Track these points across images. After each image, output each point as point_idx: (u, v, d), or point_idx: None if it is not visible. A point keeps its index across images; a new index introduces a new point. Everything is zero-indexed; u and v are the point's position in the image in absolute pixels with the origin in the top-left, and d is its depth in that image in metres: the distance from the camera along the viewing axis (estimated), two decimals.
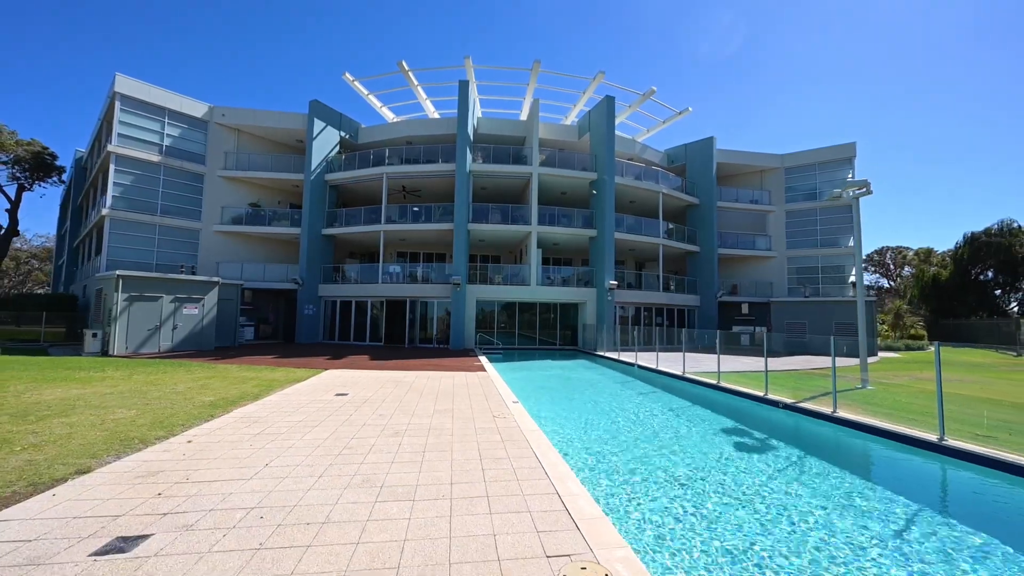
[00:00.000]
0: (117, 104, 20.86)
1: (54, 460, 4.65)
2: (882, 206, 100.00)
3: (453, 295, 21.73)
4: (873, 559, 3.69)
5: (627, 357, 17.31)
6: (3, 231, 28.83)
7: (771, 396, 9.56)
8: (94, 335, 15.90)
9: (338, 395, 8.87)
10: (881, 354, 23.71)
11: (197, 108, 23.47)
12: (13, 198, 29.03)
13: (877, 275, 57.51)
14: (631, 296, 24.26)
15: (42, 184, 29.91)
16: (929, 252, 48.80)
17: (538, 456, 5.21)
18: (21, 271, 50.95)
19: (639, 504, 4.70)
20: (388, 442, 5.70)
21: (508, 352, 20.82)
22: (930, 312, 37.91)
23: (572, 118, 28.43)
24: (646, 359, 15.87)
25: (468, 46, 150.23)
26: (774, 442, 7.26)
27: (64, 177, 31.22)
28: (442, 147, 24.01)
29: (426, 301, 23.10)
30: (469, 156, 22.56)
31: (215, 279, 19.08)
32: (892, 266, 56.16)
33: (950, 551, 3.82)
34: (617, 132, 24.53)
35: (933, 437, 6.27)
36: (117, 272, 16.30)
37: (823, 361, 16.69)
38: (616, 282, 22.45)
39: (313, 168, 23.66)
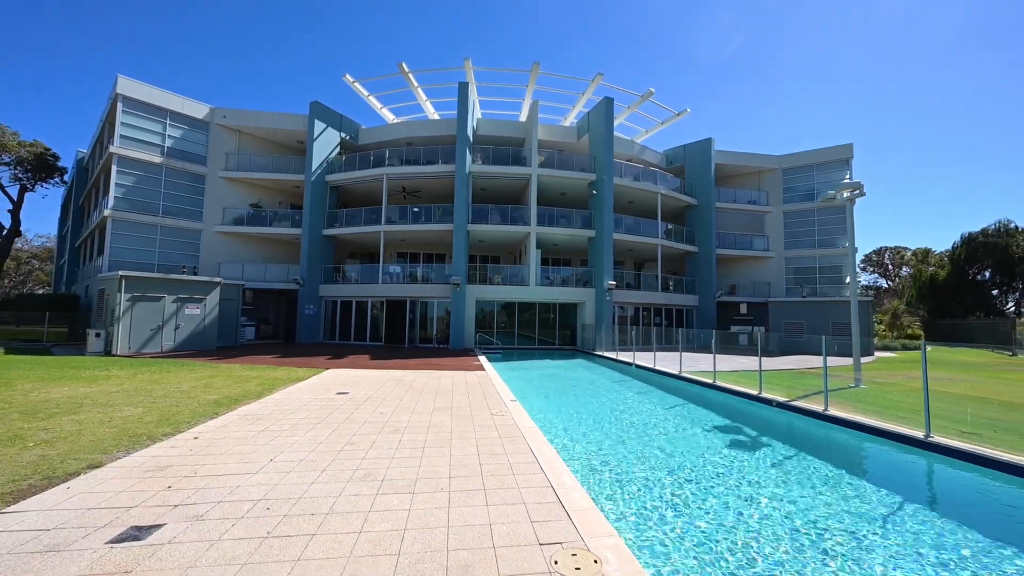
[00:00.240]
0: (119, 105, 21.02)
1: (66, 455, 4.81)
2: (881, 207, 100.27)
3: (453, 295, 21.89)
4: (855, 545, 3.85)
5: (625, 357, 17.47)
6: (5, 231, 28.97)
7: (765, 395, 9.73)
8: (97, 335, 16.06)
9: (339, 394, 9.03)
10: (878, 354, 23.88)
11: (198, 109, 23.64)
12: (15, 199, 29.17)
13: (876, 275, 57.69)
14: (630, 296, 24.43)
15: (44, 185, 30.04)
16: (927, 252, 48.96)
17: (534, 452, 5.37)
18: (22, 271, 51.09)
19: (630, 497, 4.86)
20: (389, 439, 5.87)
21: (507, 352, 20.99)
22: (928, 312, 38.06)
23: (571, 119, 28.60)
24: (644, 359, 16.03)
25: (468, 47, 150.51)
26: (766, 439, 7.42)
27: (66, 178, 31.37)
28: (442, 148, 24.18)
29: (426, 301, 23.27)
30: (469, 157, 22.73)
31: (217, 279, 19.25)
32: (890, 266, 56.31)
33: (932, 542, 3.99)
34: (616, 133, 24.70)
35: (919, 434, 6.43)
36: (120, 272, 16.47)
37: (819, 361, 16.80)
38: (615, 282, 22.63)
39: (314, 169, 23.82)
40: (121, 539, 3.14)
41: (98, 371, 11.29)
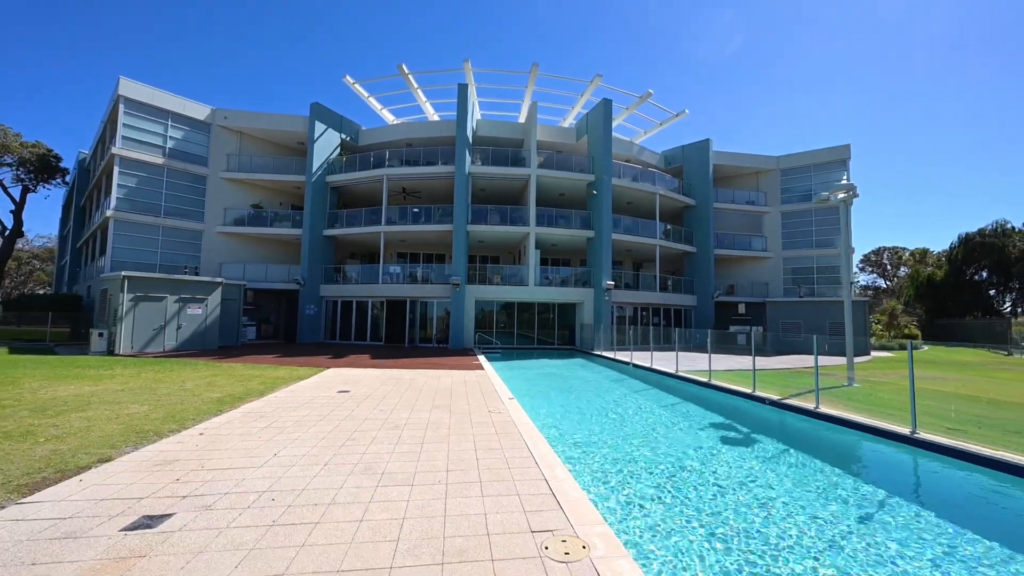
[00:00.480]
0: (121, 107, 21.19)
1: (77, 450, 4.98)
2: (879, 207, 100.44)
3: (452, 295, 22.06)
4: (839, 533, 4.02)
5: (623, 356, 17.63)
6: (8, 232, 29.15)
7: (759, 393, 9.89)
8: (100, 335, 16.23)
9: (340, 392, 9.20)
10: (875, 353, 24.03)
11: (200, 111, 23.81)
12: (18, 200, 29.36)
13: (874, 275, 57.86)
14: (628, 296, 24.59)
15: (46, 186, 30.25)
16: (925, 252, 49.13)
17: (529, 447, 5.54)
18: (23, 271, 51.27)
19: (621, 489, 5.03)
20: (388, 435, 6.03)
21: (507, 351, 21.16)
22: (925, 312, 38.24)
23: (570, 120, 28.76)
24: (641, 358, 16.19)
25: (467, 49, 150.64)
26: (758, 436, 7.58)
27: (67, 179, 31.55)
28: (442, 149, 24.34)
29: (426, 301, 23.44)
30: (468, 158, 22.90)
31: (218, 280, 19.42)
32: (889, 266, 56.48)
33: (913, 532, 4.15)
34: (614, 134, 24.87)
35: (906, 430, 6.60)
36: (123, 273, 16.63)
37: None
38: (613, 282, 22.79)
39: (314, 170, 23.99)
40: (134, 527, 3.31)
41: (103, 370, 11.46)
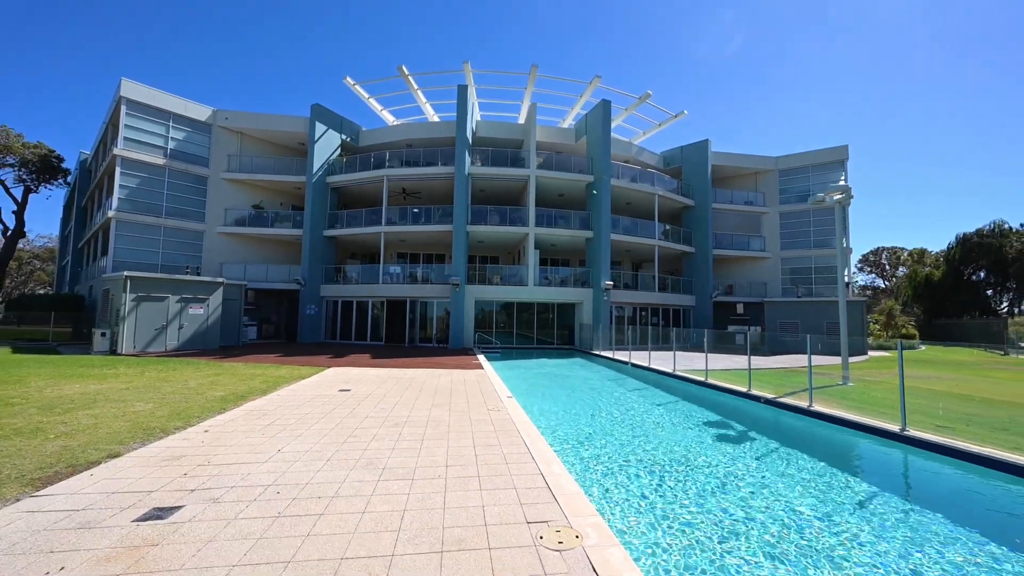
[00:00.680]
0: (123, 108, 21.31)
1: (86, 446, 5.11)
2: (878, 207, 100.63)
3: (452, 295, 22.19)
4: (828, 525, 4.16)
5: (622, 356, 17.75)
6: (10, 232, 29.28)
7: (754, 392, 10.03)
8: (103, 334, 16.36)
9: (341, 391, 9.33)
10: (872, 353, 24.18)
11: (201, 112, 23.94)
12: (20, 200, 29.50)
13: (873, 275, 58.01)
14: (627, 296, 24.73)
15: (48, 186, 30.36)
16: (923, 252, 49.28)
17: (527, 444, 5.67)
18: (23, 271, 51.39)
19: (615, 482, 5.16)
20: (389, 432, 6.17)
21: (506, 351, 21.29)
22: (923, 312, 38.38)
23: (569, 121, 28.89)
24: (640, 358, 16.32)
25: (467, 50, 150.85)
26: (752, 433, 7.72)
27: (68, 179, 31.67)
28: (441, 150, 24.48)
29: (426, 301, 23.58)
30: (468, 159, 23.04)
31: (219, 280, 19.56)
32: (887, 266, 56.63)
33: (903, 523, 4.29)
34: (613, 135, 25.01)
35: (896, 428, 6.74)
36: (125, 273, 16.76)
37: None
38: (612, 283, 22.93)
39: (315, 170, 24.12)
40: (145, 518, 3.44)
41: (106, 369, 11.60)
